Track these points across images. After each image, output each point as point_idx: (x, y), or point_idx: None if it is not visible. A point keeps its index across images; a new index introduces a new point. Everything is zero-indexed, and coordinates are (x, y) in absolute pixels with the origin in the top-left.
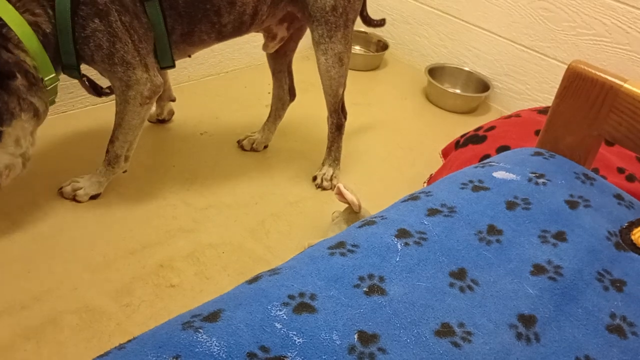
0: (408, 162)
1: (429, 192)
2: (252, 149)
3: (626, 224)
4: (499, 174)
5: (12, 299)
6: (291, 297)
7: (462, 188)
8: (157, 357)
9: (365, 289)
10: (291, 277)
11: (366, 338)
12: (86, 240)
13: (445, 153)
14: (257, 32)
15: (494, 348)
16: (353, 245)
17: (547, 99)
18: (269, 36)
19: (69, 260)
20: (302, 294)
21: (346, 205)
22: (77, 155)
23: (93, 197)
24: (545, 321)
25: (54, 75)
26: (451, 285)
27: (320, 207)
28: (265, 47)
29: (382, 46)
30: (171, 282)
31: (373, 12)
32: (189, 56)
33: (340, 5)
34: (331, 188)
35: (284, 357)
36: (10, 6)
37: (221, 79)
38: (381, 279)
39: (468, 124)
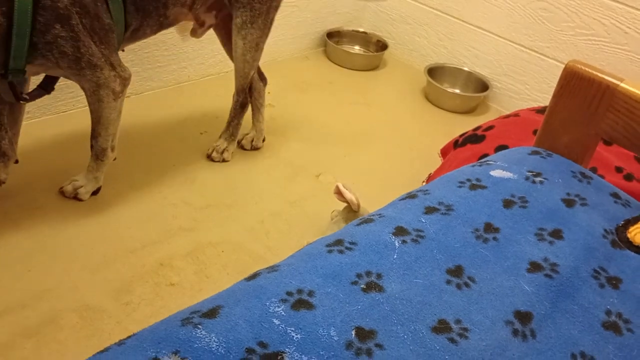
0: (407, 162)
1: (426, 190)
2: (253, 147)
3: (622, 222)
4: (497, 173)
5: (12, 297)
6: (289, 293)
7: (460, 186)
8: (157, 353)
9: (362, 286)
10: (289, 274)
11: (363, 334)
12: (86, 239)
13: (444, 152)
14: (188, 20)
15: (490, 344)
16: (351, 243)
17: (546, 98)
18: (198, 23)
19: (69, 259)
20: (300, 291)
21: (345, 205)
22: (77, 155)
23: (94, 193)
24: (541, 318)
25: None
26: (448, 282)
27: (320, 206)
28: (193, 33)
29: (382, 46)
30: (171, 281)
31: (373, 12)
32: (123, 50)
33: None
34: (221, 160)
35: (282, 352)
36: None
37: (221, 79)
38: (379, 276)
39: (467, 124)
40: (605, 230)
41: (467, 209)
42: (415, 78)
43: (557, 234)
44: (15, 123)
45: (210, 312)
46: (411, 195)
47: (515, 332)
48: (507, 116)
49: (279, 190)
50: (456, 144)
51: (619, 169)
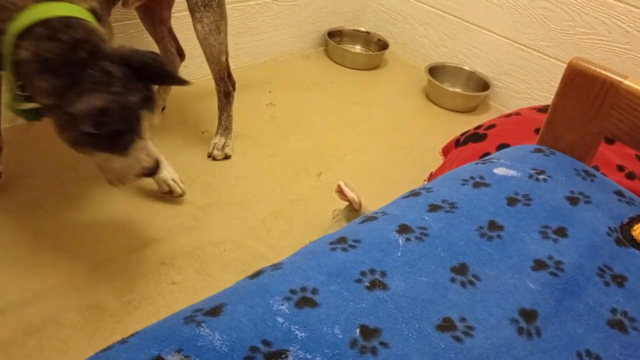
0: (408, 161)
1: (429, 188)
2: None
3: (626, 220)
4: (500, 171)
5: (14, 296)
6: (293, 291)
7: (463, 184)
8: (160, 351)
9: (367, 284)
10: (293, 272)
11: (368, 332)
12: (88, 238)
13: (445, 151)
14: None
15: (495, 343)
16: (354, 241)
17: (547, 98)
18: None
19: (71, 258)
20: (303, 289)
21: (347, 203)
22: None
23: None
24: (546, 316)
25: None
26: (452, 280)
27: (321, 205)
28: (124, 3)
29: (383, 45)
30: (173, 280)
31: (373, 11)
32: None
33: None
34: (223, 157)
35: (286, 351)
36: None
37: None
38: (383, 273)
39: (468, 123)
40: (610, 228)
41: (470, 206)
42: (416, 77)
43: (561, 232)
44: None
45: (214, 310)
46: (415, 193)
47: (520, 331)
48: (509, 115)
49: (280, 189)
50: (457, 142)
51: (620, 168)
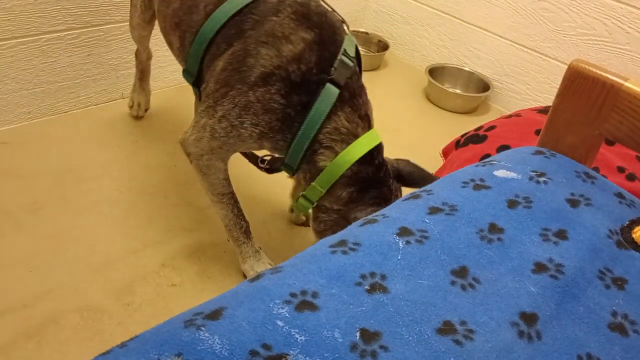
0: None
1: (430, 190)
2: (138, 116)
3: (627, 223)
4: (500, 173)
5: (14, 298)
6: (293, 295)
7: (463, 187)
8: (159, 355)
9: (367, 287)
10: (293, 276)
11: (368, 336)
12: (87, 239)
13: (445, 153)
14: None
15: (495, 346)
16: (354, 244)
17: (547, 99)
18: None
19: (71, 260)
20: (304, 292)
21: None
22: (78, 155)
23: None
24: (546, 319)
25: None
26: (453, 283)
27: None
28: None
29: (383, 46)
30: (173, 282)
31: (373, 12)
32: None
33: None
34: None
35: (286, 354)
36: None
37: None
38: (383, 277)
39: (468, 124)
40: (610, 230)
41: (471, 209)
42: (416, 78)
43: (562, 235)
44: None
45: (214, 314)
46: (415, 196)
47: (520, 334)
48: (509, 116)
49: (281, 190)
50: (458, 144)
51: (621, 169)
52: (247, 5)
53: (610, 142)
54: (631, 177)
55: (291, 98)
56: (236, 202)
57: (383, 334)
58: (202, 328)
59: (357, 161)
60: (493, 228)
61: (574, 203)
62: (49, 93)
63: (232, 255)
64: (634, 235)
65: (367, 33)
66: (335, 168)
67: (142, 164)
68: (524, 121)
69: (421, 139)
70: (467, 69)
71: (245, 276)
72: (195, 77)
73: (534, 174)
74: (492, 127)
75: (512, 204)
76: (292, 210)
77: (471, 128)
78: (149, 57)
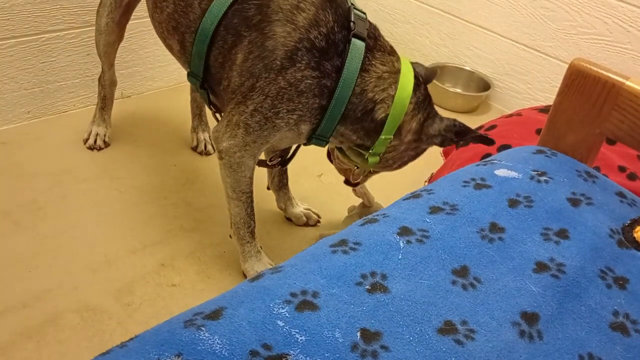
0: None
1: (430, 190)
2: (97, 147)
3: (629, 222)
4: (501, 172)
5: (13, 298)
6: (293, 295)
7: (464, 186)
8: (159, 355)
9: (367, 287)
10: (293, 275)
11: (369, 336)
12: (87, 239)
13: (446, 152)
14: None
15: (497, 346)
16: (355, 243)
17: (548, 98)
18: None
19: (70, 260)
20: (304, 292)
21: (362, 200)
22: (78, 155)
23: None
24: (548, 319)
25: None
26: (454, 282)
27: (321, 206)
28: None
29: None
30: (172, 282)
31: (374, 12)
32: None
33: None
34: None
35: (287, 354)
36: None
37: None
38: (383, 276)
39: (469, 123)
40: (612, 229)
41: (472, 208)
42: None
43: (563, 234)
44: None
45: (214, 314)
46: (415, 195)
47: (522, 334)
48: (510, 115)
49: None
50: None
51: (622, 169)
52: None
53: (611, 142)
54: (632, 177)
55: (324, 66)
56: (252, 201)
57: (384, 333)
58: (202, 328)
59: (412, 90)
60: (494, 227)
61: (575, 202)
62: (48, 93)
63: (232, 255)
64: (635, 235)
65: None
66: (399, 110)
67: (142, 164)
68: (525, 120)
69: None
70: (467, 68)
71: (245, 276)
72: (202, 79)
73: (535, 173)
74: (492, 127)
75: (513, 204)
76: (281, 208)
77: (472, 127)
78: (113, 83)
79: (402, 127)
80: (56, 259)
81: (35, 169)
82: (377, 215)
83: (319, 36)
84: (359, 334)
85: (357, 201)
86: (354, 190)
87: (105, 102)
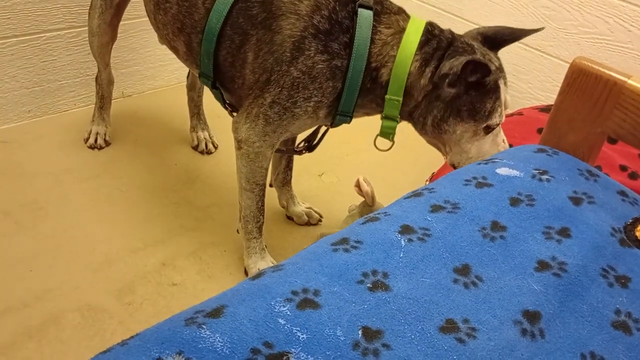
0: (410, 161)
1: (432, 188)
2: (98, 146)
3: (630, 221)
4: (503, 171)
5: (14, 298)
6: (294, 293)
7: (466, 184)
8: (160, 353)
9: (369, 285)
10: (294, 273)
11: (370, 334)
12: (88, 239)
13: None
14: None
15: (498, 344)
16: (356, 242)
17: (549, 97)
18: None
19: (71, 259)
20: (305, 290)
21: (363, 199)
22: (78, 154)
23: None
24: (549, 317)
25: None
26: (455, 281)
27: (322, 205)
28: None
29: None
30: (173, 281)
31: None
32: None
33: None
34: (214, 149)
35: (288, 352)
36: None
37: None
38: (385, 275)
39: None
40: (613, 228)
41: (473, 207)
42: None
43: (564, 233)
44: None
45: (215, 312)
46: (417, 194)
47: (523, 332)
48: (511, 115)
49: None
50: None
51: (623, 168)
52: None
53: (612, 141)
54: (634, 176)
55: (331, 47)
56: (264, 195)
57: (385, 332)
58: (203, 326)
59: (417, 48)
60: (495, 226)
61: (576, 201)
62: (49, 92)
63: (233, 254)
64: (637, 233)
65: None
66: (400, 70)
67: (143, 163)
68: (526, 120)
69: (422, 138)
70: None
71: (246, 273)
72: (213, 78)
73: (537, 172)
74: None
75: (514, 202)
76: (283, 205)
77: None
78: (111, 81)
79: (412, 87)
80: (57, 258)
81: (35, 168)
82: (379, 213)
83: (321, 20)
84: (360, 332)
85: (358, 200)
86: (357, 188)
87: (103, 101)
